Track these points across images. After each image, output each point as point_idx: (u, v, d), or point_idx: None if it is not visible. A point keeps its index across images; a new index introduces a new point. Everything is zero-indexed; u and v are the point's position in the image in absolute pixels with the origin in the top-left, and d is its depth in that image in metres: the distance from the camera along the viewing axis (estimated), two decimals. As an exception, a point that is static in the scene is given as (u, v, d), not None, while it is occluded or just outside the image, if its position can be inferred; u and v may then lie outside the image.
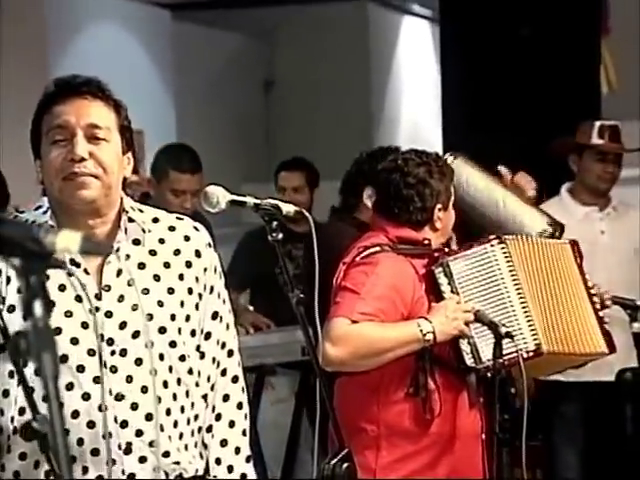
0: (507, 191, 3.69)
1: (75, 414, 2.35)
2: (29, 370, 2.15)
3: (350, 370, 3.29)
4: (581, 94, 5.86)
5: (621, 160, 4.81)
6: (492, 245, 3.34)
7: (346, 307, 3.22)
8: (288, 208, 2.68)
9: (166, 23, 8.72)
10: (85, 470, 2.36)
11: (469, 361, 3.29)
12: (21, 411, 2.35)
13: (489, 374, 3.28)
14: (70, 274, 2.38)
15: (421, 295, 3.31)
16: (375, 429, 3.31)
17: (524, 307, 3.33)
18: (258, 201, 2.66)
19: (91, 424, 2.35)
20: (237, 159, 9.61)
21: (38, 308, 1.52)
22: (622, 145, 4.79)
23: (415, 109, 10.94)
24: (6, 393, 2.37)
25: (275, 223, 2.62)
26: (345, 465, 2.66)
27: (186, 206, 4.52)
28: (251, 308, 5.04)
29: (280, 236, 2.62)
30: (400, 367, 3.27)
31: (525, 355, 3.29)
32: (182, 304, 2.45)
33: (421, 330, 3.22)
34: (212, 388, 2.52)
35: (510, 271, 3.33)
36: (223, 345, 2.54)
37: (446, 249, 3.39)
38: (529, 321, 3.32)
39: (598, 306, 3.49)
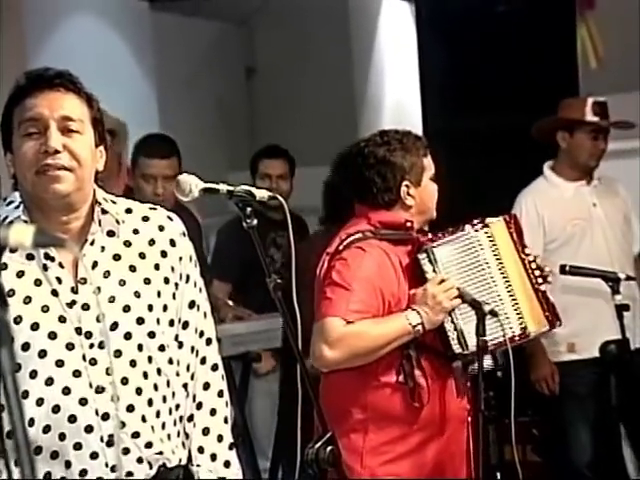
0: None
1: (56, 409, 2.35)
2: None
3: (342, 367, 3.30)
4: (559, 70, 5.85)
5: (607, 136, 4.80)
6: (476, 230, 3.34)
7: (338, 306, 3.22)
8: (262, 194, 2.68)
9: (145, 14, 8.69)
10: (68, 464, 2.36)
11: (456, 348, 3.30)
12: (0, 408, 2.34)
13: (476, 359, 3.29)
14: (45, 268, 2.38)
15: (405, 282, 3.31)
16: (363, 412, 3.31)
17: (510, 291, 3.33)
18: (231, 188, 2.66)
19: (72, 418, 2.35)
20: (221, 148, 9.59)
21: None
22: (611, 121, 4.78)
23: (399, 91, 10.91)
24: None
25: (249, 209, 2.63)
26: (329, 448, 2.67)
27: (157, 192, 4.50)
28: (230, 303, 5.03)
29: (255, 222, 2.63)
30: (388, 353, 3.28)
31: (514, 339, 3.31)
32: (159, 294, 2.45)
33: (410, 323, 3.24)
34: (192, 377, 2.52)
35: (495, 255, 3.33)
36: (201, 334, 2.54)
37: (429, 234, 3.38)
38: (515, 304, 3.33)
39: (540, 280, 3.43)
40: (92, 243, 2.42)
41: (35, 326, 2.34)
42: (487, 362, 3.35)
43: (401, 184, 3.36)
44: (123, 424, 2.37)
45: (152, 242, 2.47)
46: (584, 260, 4.43)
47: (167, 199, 4.31)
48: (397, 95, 10.93)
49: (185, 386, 2.51)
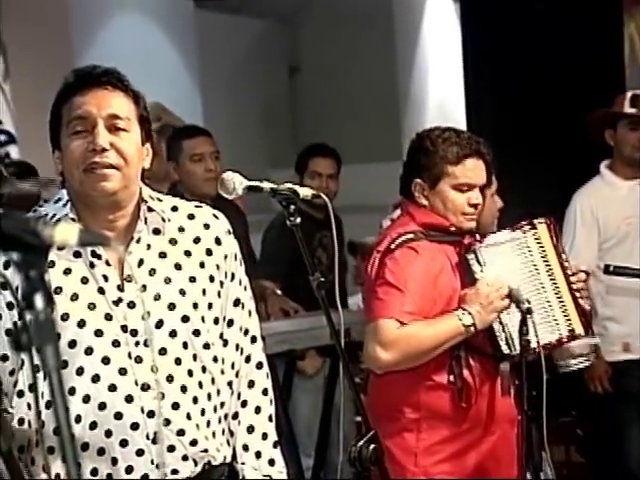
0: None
1: (102, 406, 2.36)
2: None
3: (394, 370, 3.30)
4: (604, 67, 5.81)
5: None
6: (524, 231, 3.32)
7: (392, 307, 3.22)
8: (305, 192, 2.69)
9: (189, 11, 8.72)
10: (114, 461, 2.37)
11: (504, 349, 3.29)
12: (48, 405, 2.36)
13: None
14: (92, 266, 2.39)
15: (456, 282, 3.31)
16: (416, 412, 3.31)
17: (557, 293, 3.31)
18: (275, 186, 2.67)
19: (118, 415, 2.36)
20: (264, 146, 9.61)
21: (39, 301, 1.53)
22: None
23: (442, 89, 10.87)
24: (33, 387, 2.39)
25: (293, 207, 2.63)
26: (372, 447, 2.67)
27: (210, 167, 4.55)
28: (279, 292, 5.03)
29: (298, 220, 2.63)
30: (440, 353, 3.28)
31: (561, 340, 3.31)
32: (204, 292, 2.45)
33: (463, 324, 3.23)
34: (236, 375, 2.53)
35: (542, 257, 3.31)
36: (246, 332, 2.55)
37: (477, 236, 3.37)
38: (562, 306, 3.31)
39: (575, 286, 3.39)
40: (138, 241, 2.43)
41: (82, 323, 2.36)
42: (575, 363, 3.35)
43: (412, 181, 3.36)
44: (168, 421, 2.38)
45: (197, 240, 2.48)
46: (638, 259, 4.40)
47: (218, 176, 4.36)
48: (441, 94, 10.89)
49: (230, 384, 2.52)
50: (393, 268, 3.26)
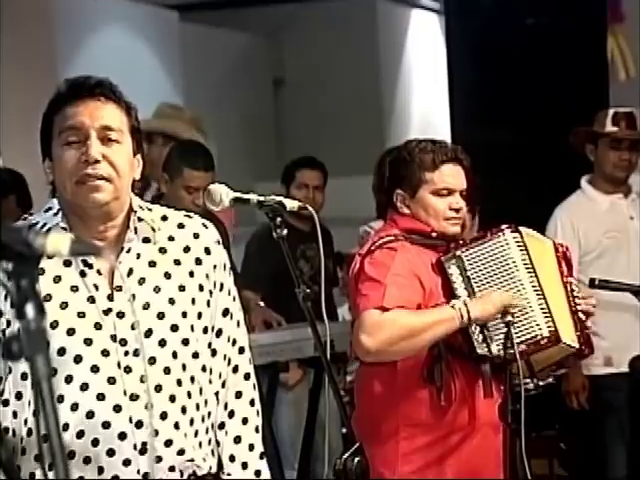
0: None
1: (90, 414, 2.36)
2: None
3: (388, 359, 3.28)
4: (590, 84, 5.85)
5: (638, 146, 4.78)
6: (504, 234, 3.33)
7: (375, 298, 3.22)
8: (292, 204, 2.70)
9: (174, 24, 8.74)
10: (100, 470, 2.37)
11: (480, 350, 3.28)
12: (35, 413, 2.36)
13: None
14: (83, 275, 2.39)
15: (437, 284, 3.32)
16: (394, 419, 3.31)
17: (538, 295, 3.28)
18: (262, 198, 2.68)
19: (106, 424, 2.36)
20: (248, 158, 9.63)
21: (30, 310, 1.53)
22: (638, 131, 4.77)
23: (426, 103, 10.92)
24: (19, 395, 2.39)
25: (279, 219, 2.64)
26: (357, 459, 2.67)
27: (198, 203, 4.55)
28: (262, 304, 5.04)
29: (285, 232, 2.64)
30: (416, 357, 3.28)
31: (542, 343, 3.26)
32: (193, 301, 2.46)
33: (452, 306, 3.22)
34: (223, 385, 2.53)
35: (523, 259, 3.31)
36: (234, 342, 2.55)
37: (460, 241, 3.39)
38: (543, 309, 3.28)
39: (579, 307, 3.39)
40: (128, 251, 2.43)
41: (71, 331, 2.36)
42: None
43: (393, 191, 3.41)
44: (157, 432, 2.38)
45: (187, 249, 2.48)
46: (620, 273, 4.42)
47: (203, 208, 4.36)
48: (425, 107, 10.93)
49: (216, 394, 2.52)
50: (372, 264, 3.29)
